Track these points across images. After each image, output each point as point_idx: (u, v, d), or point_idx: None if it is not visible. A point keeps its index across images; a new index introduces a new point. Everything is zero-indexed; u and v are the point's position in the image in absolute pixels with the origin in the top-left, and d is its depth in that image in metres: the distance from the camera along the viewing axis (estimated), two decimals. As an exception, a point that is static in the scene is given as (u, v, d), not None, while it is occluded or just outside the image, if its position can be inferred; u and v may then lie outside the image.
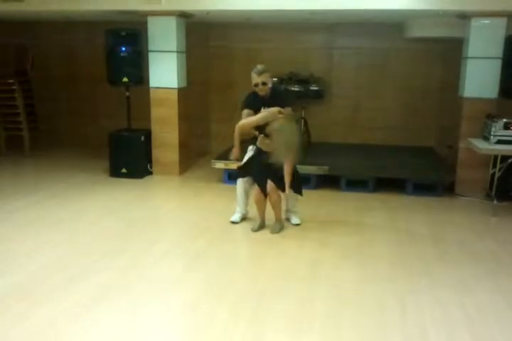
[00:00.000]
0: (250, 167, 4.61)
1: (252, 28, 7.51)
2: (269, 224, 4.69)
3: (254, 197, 4.66)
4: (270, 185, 4.48)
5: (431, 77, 7.27)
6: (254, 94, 4.57)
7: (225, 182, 6.22)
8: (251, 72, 4.48)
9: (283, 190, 4.47)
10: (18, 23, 7.89)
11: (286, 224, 4.78)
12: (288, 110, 4.46)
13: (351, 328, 3.02)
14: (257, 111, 4.47)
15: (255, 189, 4.62)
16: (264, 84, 4.45)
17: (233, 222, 4.83)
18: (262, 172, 4.51)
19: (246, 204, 4.89)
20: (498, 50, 5.61)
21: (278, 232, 4.59)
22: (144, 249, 4.20)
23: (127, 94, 6.61)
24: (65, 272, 3.72)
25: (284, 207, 4.81)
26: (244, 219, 4.90)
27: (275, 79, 7.06)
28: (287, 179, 4.35)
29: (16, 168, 7.16)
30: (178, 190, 6.22)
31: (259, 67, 4.46)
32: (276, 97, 4.53)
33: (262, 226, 4.68)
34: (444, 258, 4.10)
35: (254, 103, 4.51)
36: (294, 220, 4.83)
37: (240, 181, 4.78)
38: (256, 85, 4.46)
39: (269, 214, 4.67)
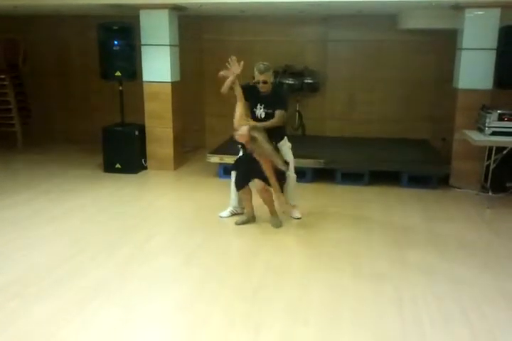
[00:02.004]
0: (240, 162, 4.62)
1: (246, 20, 7.46)
2: (261, 218, 4.69)
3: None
4: (259, 184, 4.44)
5: (425, 69, 7.24)
6: (256, 88, 4.56)
7: (220, 176, 6.19)
8: (254, 67, 4.45)
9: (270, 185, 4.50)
10: (9, 17, 7.81)
11: (284, 217, 4.76)
12: (279, 113, 4.47)
13: (348, 321, 3.02)
14: (252, 103, 4.54)
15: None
16: (264, 82, 4.46)
17: (221, 217, 4.81)
18: (245, 172, 4.52)
19: (238, 199, 4.86)
20: (492, 41, 5.59)
21: (280, 226, 4.57)
22: (139, 245, 4.18)
23: (120, 88, 6.57)
24: (59, 269, 3.70)
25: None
26: (236, 214, 4.86)
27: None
28: (270, 179, 4.37)
29: (8, 163, 7.11)
30: (173, 184, 6.19)
31: (262, 65, 4.43)
32: (273, 98, 4.53)
33: (247, 220, 4.64)
34: (439, 251, 4.10)
35: (253, 94, 4.53)
36: (295, 214, 4.81)
37: (233, 174, 4.77)
38: (257, 83, 4.48)
39: (264, 207, 4.67)
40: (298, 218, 4.79)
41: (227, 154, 5.95)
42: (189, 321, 3.05)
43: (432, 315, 3.09)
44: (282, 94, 4.89)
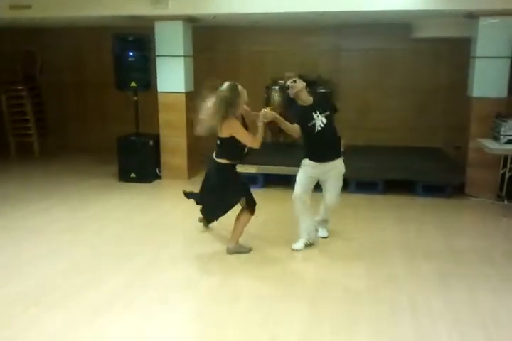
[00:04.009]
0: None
1: (259, 31, 7.51)
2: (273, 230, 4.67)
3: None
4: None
5: (438, 78, 7.22)
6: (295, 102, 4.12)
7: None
8: (286, 79, 4.11)
9: None
10: (26, 30, 7.96)
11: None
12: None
13: (363, 332, 3.00)
14: (305, 120, 4.05)
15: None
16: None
17: (294, 250, 4.22)
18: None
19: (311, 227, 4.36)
20: (506, 49, 5.57)
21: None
22: (154, 255, 4.20)
23: (135, 98, 6.64)
24: (74, 278, 3.73)
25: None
26: (311, 245, 4.33)
27: (281, 81, 7.07)
28: None
29: (25, 173, 7.20)
30: (187, 194, 6.21)
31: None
32: (321, 99, 4.22)
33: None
34: (455, 260, 4.06)
35: (298, 109, 4.10)
36: (322, 233, 4.57)
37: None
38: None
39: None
40: (324, 237, 4.55)
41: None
42: (204, 331, 3.06)
43: (448, 324, 3.06)
44: (324, 94, 4.39)
